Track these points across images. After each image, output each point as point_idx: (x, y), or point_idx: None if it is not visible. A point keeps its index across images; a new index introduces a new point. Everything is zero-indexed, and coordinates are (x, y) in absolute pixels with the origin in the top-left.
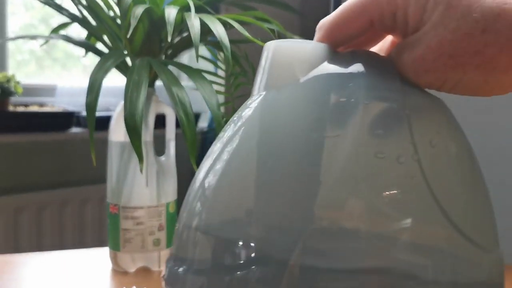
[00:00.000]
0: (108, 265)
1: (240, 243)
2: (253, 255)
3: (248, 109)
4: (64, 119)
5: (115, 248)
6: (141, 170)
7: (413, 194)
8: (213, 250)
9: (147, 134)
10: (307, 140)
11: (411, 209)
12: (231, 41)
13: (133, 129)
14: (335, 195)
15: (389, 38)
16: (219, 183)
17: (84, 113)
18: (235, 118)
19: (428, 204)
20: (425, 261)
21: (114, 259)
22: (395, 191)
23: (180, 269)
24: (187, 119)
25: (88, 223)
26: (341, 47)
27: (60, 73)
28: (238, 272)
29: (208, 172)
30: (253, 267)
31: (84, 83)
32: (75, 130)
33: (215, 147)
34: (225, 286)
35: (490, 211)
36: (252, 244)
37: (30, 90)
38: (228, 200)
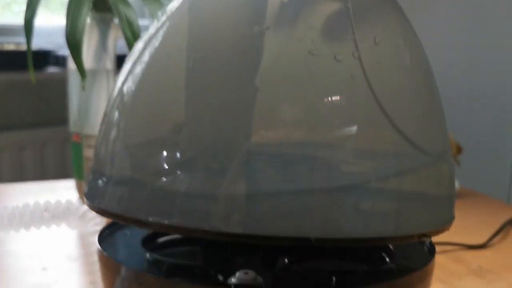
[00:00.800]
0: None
1: (165, 153)
2: (179, 161)
3: (175, 2)
4: (41, 58)
5: (79, 177)
6: (83, 88)
7: (353, 95)
8: (134, 162)
9: (107, 61)
10: (240, 37)
11: (351, 112)
12: None
13: (73, 45)
14: (272, 103)
15: None
16: (139, 92)
17: (61, 52)
18: (159, 13)
19: (369, 106)
20: (369, 168)
21: (79, 188)
22: (333, 93)
23: (100, 182)
24: (133, 38)
25: (69, 162)
26: None
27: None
28: (163, 179)
29: (126, 78)
30: (179, 172)
31: (61, 22)
32: (51, 69)
33: (137, 47)
34: (147, 195)
35: (440, 118)
36: (178, 154)
37: (5, 30)
38: (150, 110)
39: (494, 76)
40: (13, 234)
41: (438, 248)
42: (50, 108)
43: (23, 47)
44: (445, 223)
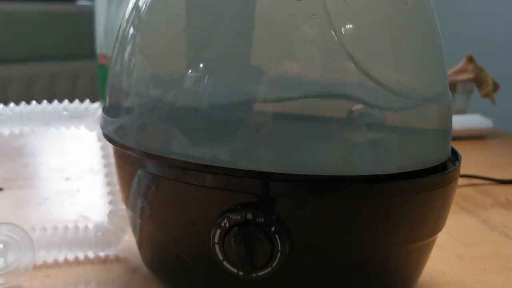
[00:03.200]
0: None
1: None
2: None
3: None
4: None
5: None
6: None
7: (316, 34)
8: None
9: None
10: None
11: (313, 49)
12: None
13: None
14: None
15: None
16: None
17: None
18: None
19: (331, 43)
20: (338, 107)
21: None
22: (296, 35)
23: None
24: None
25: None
26: None
27: None
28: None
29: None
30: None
31: None
32: (82, 2)
33: None
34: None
35: (429, 56)
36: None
37: None
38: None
39: None
40: (40, 143)
41: (466, 181)
42: (82, 41)
43: None
44: (439, 160)
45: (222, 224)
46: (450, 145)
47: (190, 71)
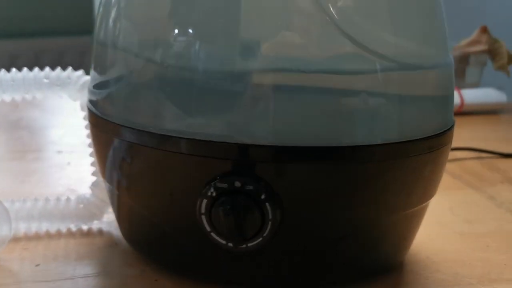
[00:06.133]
0: None
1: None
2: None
3: None
4: None
5: None
6: None
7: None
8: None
9: None
10: None
11: (304, 20)
12: None
13: None
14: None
15: None
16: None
17: None
18: None
19: (322, 12)
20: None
21: None
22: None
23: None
24: None
25: None
26: None
27: None
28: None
29: None
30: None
31: None
32: None
33: None
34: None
35: (426, 22)
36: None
37: None
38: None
39: None
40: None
41: (473, 155)
42: (91, 16)
43: None
44: (440, 128)
45: (209, 194)
46: (452, 113)
47: (176, 37)
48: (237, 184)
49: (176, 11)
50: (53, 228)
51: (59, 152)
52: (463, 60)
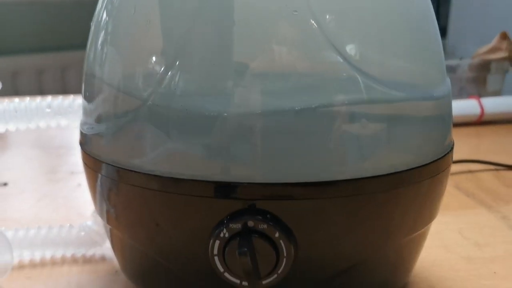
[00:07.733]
0: None
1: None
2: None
3: None
4: None
5: None
6: None
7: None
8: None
9: None
10: None
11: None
12: None
13: None
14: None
15: None
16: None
17: None
18: None
19: (314, 37)
20: (321, 93)
21: None
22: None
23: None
24: None
25: None
26: None
27: None
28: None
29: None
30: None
31: None
32: None
33: None
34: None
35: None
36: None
37: None
38: (133, 49)
39: None
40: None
41: (489, 167)
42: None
43: None
44: (438, 155)
45: (221, 235)
46: (451, 136)
47: (168, 74)
48: (250, 224)
49: (164, 50)
50: (56, 255)
51: (72, 173)
52: (484, 67)
